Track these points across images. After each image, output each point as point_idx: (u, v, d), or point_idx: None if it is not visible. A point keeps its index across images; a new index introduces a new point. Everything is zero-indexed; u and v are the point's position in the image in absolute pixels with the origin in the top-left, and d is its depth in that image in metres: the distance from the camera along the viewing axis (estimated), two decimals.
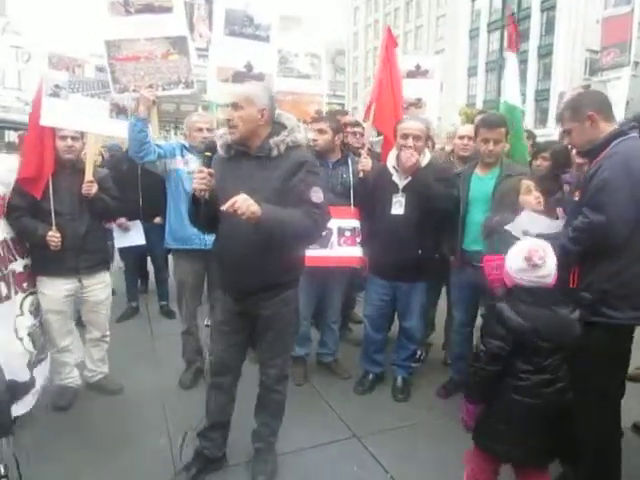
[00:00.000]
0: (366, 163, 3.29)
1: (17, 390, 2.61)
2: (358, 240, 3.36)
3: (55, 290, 3.08)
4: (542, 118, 33.18)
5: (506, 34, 4.51)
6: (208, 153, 2.27)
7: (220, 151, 2.30)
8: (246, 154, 2.26)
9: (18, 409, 2.63)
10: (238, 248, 2.24)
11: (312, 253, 3.21)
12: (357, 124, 4.18)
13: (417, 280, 3.28)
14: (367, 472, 2.63)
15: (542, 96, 34.89)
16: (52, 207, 2.97)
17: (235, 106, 2.22)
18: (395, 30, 53.82)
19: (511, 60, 4.09)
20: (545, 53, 35.66)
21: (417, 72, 4.21)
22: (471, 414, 2.21)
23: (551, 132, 15.58)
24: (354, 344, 4.17)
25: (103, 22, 3.15)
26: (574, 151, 3.14)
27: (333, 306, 3.69)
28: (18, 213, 2.92)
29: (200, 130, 3.36)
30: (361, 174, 3.30)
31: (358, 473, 2.62)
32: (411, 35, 52.00)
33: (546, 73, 35.69)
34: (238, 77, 3.36)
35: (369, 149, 5.00)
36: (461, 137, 3.74)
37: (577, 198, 2.39)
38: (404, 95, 4.15)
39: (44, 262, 3.03)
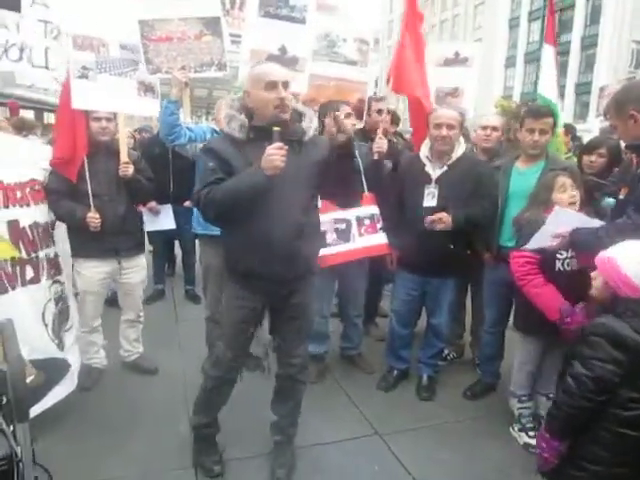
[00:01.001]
0: (381, 144, 3.13)
1: (54, 369, 2.64)
2: (379, 226, 3.24)
3: (93, 272, 3.12)
4: (582, 112, 32.04)
5: (545, 25, 4.32)
6: (277, 128, 2.07)
7: (237, 133, 2.15)
8: (269, 137, 2.06)
9: (60, 392, 2.68)
10: (288, 234, 2.16)
11: (335, 250, 3.15)
12: (381, 99, 3.89)
13: (448, 276, 3.17)
14: (388, 471, 2.57)
15: (583, 89, 33.65)
16: (89, 188, 2.98)
17: (286, 85, 2.15)
18: (431, 19, 52.80)
19: (548, 52, 3.96)
20: (588, 44, 34.27)
21: (456, 60, 4.03)
22: (555, 451, 1.79)
23: (591, 127, 14.97)
24: (379, 339, 4.10)
25: (137, 1, 3.10)
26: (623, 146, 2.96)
27: (355, 300, 3.59)
28: (56, 196, 2.94)
29: None
30: (375, 156, 3.14)
31: (379, 472, 2.55)
32: (447, 24, 50.78)
33: (588, 65, 34.34)
34: (271, 60, 3.26)
35: (402, 137, 4.87)
36: (484, 127, 3.56)
37: (622, 196, 2.25)
38: (440, 84, 4.01)
39: (84, 244, 3.06)
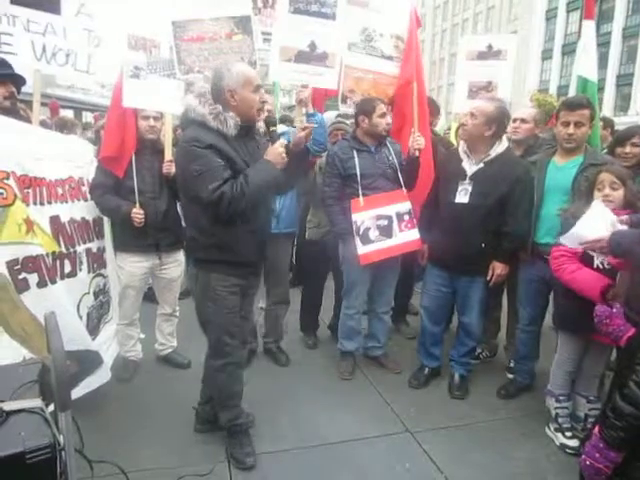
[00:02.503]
0: (421, 141, 3.15)
1: (87, 361, 2.73)
2: (415, 222, 3.29)
3: (135, 266, 3.22)
4: (623, 105, 30.90)
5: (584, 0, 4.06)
6: (274, 128, 2.43)
7: (232, 130, 2.25)
8: (249, 133, 2.37)
9: (92, 383, 2.77)
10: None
11: (377, 247, 3.19)
12: None
13: (478, 274, 3.10)
14: (419, 470, 2.54)
15: (624, 81, 32.41)
16: (136, 185, 3.07)
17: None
18: (465, 12, 51.81)
19: (589, 29, 3.71)
20: (630, 34, 32.92)
21: (489, 53, 3.93)
22: (611, 462, 1.69)
23: (633, 120, 14.41)
24: (409, 337, 4.07)
25: (169, 2, 3.16)
26: None
27: (385, 294, 3.56)
28: (102, 191, 3.05)
29: (265, 112, 3.33)
30: (416, 153, 3.15)
31: (410, 470, 2.53)
32: (482, 16, 49.68)
33: (630, 56, 33.01)
34: (301, 57, 3.28)
35: (436, 134, 4.80)
36: (513, 120, 3.44)
37: None
38: (473, 79, 3.92)
39: (127, 239, 3.16)
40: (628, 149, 3.06)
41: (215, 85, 2.26)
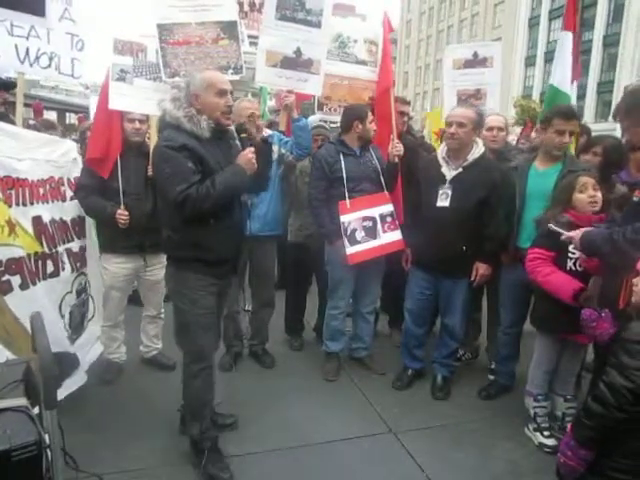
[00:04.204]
0: (400, 148, 3.31)
1: (66, 363, 2.72)
2: (397, 223, 3.39)
3: (119, 267, 3.22)
4: (604, 112, 31.49)
5: (565, 9, 4.12)
6: (244, 135, 2.49)
7: (206, 132, 2.32)
8: (222, 137, 2.45)
9: (70, 385, 2.75)
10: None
11: (364, 247, 3.27)
12: (405, 102, 4.02)
13: (461, 277, 3.17)
14: (402, 469, 2.58)
15: (605, 88, 33.07)
16: (121, 186, 3.09)
17: (232, 94, 2.46)
18: (450, 19, 52.41)
19: (566, 40, 3.79)
20: (611, 43, 33.66)
21: (475, 61, 4.01)
22: (582, 460, 1.71)
23: (613, 127, 14.70)
24: (398, 345, 4.07)
25: (156, 6, 3.19)
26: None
27: (369, 294, 3.61)
28: (86, 192, 3.06)
29: (251, 116, 3.35)
30: (395, 159, 3.31)
31: (393, 470, 2.57)
32: (467, 23, 50.35)
33: (611, 64, 33.73)
34: (287, 63, 3.33)
35: (423, 140, 4.90)
36: (490, 128, 3.48)
37: (636, 198, 2.21)
38: (462, 87, 4.00)
39: (111, 240, 3.18)
40: (589, 157, 3.20)
41: (185, 89, 2.36)
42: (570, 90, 3.74)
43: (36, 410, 1.35)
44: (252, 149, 2.39)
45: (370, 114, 3.33)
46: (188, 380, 2.51)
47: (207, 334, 2.48)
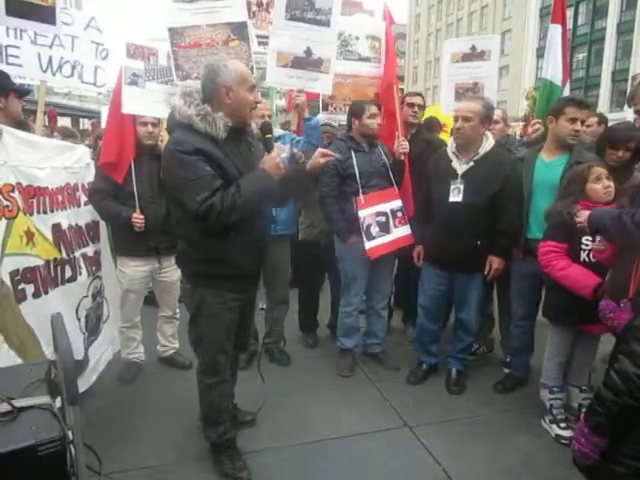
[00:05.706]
0: (405, 145, 3.34)
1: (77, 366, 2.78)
2: (406, 218, 3.43)
3: (136, 270, 3.28)
4: (620, 100, 30.99)
5: (553, 2, 4.08)
6: (269, 135, 2.24)
7: (221, 132, 2.07)
8: (241, 136, 2.22)
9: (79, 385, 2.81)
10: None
11: (379, 242, 3.30)
12: (416, 94, 4.00)
13: (475, 271, 3.16)
14: (418, 463, 2.60)
15: (620, 77, 32.54)
16: (135, 190, 3.13)
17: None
18: (460, 11, 51.90)
19: (556, 33, 3.80)
20: (625, 30, 33.09)
21: (473, 55, 3.99)
22: (595, 447, 1.71)
23: (626, 116, 14.46)
24: (411, 340, 4.08)
25: (167, 10, 3.23)
26: None
27: (382, 290, 3.63)
28: (101, 196, 3.10)
29: (262, 117, 3.38)
30: (402, 157, 3.34)
31: (409, 463, 2.59)
32: (476, 15, 49.81)
33: (625, 52, 33.16)
34: (297, 63, 3.36)
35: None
36: None
37: None
38: (460, 81, 3.99)
39: (127, 243, 3.22)
40: (620, 153, 3.01)
41: (209, 81, 2.10)
42: (560, 82, 3.76)
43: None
44: (281, 149, 2.18)
45: (371, 109, 3.30)
46: (203, 391, 2.43)
47: (222, 351, 2.34)
